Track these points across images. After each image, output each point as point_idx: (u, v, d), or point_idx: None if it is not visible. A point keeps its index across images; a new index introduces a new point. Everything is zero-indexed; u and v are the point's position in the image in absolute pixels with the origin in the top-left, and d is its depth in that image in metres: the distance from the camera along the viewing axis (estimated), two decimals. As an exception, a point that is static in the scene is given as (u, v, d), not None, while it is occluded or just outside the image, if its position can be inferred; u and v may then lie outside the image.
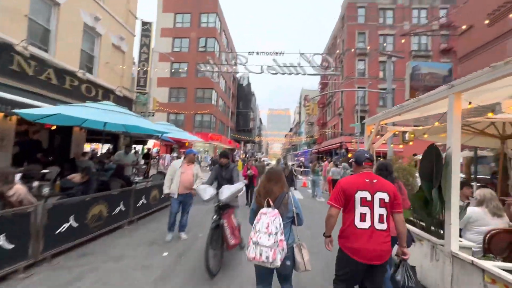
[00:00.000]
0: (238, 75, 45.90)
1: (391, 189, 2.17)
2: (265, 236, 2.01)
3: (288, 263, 2.20)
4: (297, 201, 2.36)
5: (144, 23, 12.42)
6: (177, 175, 4.60)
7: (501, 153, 4.27)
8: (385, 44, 27.23)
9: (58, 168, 6.58)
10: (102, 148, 15.10)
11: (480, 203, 3.14)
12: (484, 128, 4.33)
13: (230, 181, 4.12)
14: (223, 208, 3.71)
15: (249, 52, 12.75)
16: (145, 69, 12.23)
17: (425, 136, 4.52)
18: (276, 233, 2.01)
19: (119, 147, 10.94)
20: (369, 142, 5.28)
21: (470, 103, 2.80)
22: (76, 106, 5.19)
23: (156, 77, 29.15)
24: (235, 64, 13.19)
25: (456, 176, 2.68)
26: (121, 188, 5.82)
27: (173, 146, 29.86)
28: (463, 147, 7.53)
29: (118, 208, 5.15)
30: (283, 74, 12.52)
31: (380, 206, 2.11)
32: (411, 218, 3.50)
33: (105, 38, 10.20)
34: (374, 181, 2.18)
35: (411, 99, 3.60)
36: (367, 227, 2.08)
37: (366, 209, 2.11)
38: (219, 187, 4.04)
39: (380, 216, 2.10)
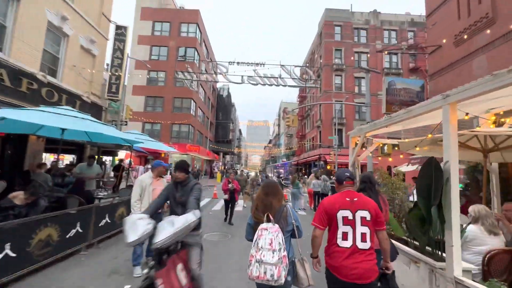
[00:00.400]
0: (218, 86, 45.67)
1: (372, 207, 2.18)
2: (269, 253, 1.94)
3: (289, 278, 2.11)
4: (295, 213, 2.31)
5: (118, 27, 11.75)
6: (148, 192, 3.84)
7: (484, 166, 4.24)
8: (357, 60, 28.62)
9: (4, 183, 5.62)
10: (67, 160, 13.78)
11: (475, 220, 2.96)
12: (467, 140, 4.31)
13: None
14: (170, 252, 2.48)
15: (229, 62, 12.51)
16: (117, 74, 11.45)
17: (417, 149, 4.39)
18: (279, 249, 1.95)
19: (84, 158, 9.92)
20: (354, 155, 5.09)
21: (467, 114, 2.65)
22: (27, 110, 4.47)
23: (132, 84, 27.98)
24: (215, 74, 12.87)
25: (456, 193, 2.47)
26: (80, 206, 5.06)
27: (148, 157, 28.39)
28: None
29: (74, 230, 4.40)
30: (263, 85, 12.39)
31: (362, 225, 2.11)
32: (405, 237, 3.24)
33: (73, 39, 9.39)
34: (355, 199, 2.20)
35: (401, 110, 3.43)
36: (348, 245, 2.08)
37: (348, 228, 2.12)
38: (172, 213, 2.84)
39: (363, 234, 2.10)
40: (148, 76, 28.09)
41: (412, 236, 3.13)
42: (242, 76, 12.44)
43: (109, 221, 5.46)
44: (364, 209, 2.13)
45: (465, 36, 9.42)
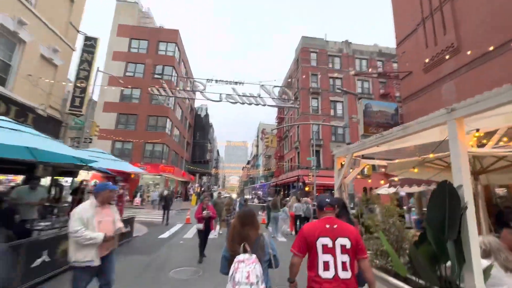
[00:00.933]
0: (196, 105, 45.05)
1: (352, 234, 2.12)
2: (246, 287, 1.83)
3: None
4: (272, 242, 2.25)
5: (87, 38, 10.97)
6: (92, 226, 2.89)
7: (475, 189, 4.00)
8: (332, 85, 29.92)
9: None
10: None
11: (486, 254, 2.55)
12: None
13: None
14: None
15: (207, 79, 12.13)
16: (82, 86, 10.48)
17: (415, 170, 4.07)
18: (257, 282, 1.86)
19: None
20: (340, 177, 4.67)
21: (477, 130, 2.32)
22: None
23: (103, 101, 26.49)
24: (193, 92, 12.36)
25: (473, 225, 2.05)
26: (8, 241, 4.00)
27: (116, 178, 26.16)
28: (421, 182, 7.59)
29: (-10, 277, 3.35)
30: (242, 103, 12.06)
31: (342, 253, 2.06)
32: (408, 276, 2.73)
33: (31, 46, 8.46)
34: (335, 226, 2.15)
35: (395, 127, 3.09)
36: (331, 276, 2.02)
37: (328, 257, 2.06)
38: None
39: (343, 263, 2.04)
40: (122, 93, 26.84)
41: (417, 275, 2.63)
42: (220, 94, 12.05)
43: (47, 259, 4.39)
44: (344, 237, 2.09)
45: (432, 64, 9.98)
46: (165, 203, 12.88)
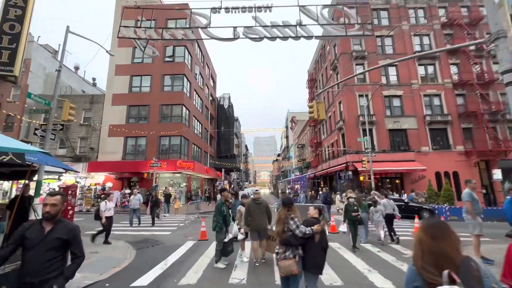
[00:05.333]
0: (218, 95, 41.10)
1: None
2: None
3: None
4: (489, 270, 1.35)
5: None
6: None
7: None
8: (379, 46, 23.47)
9: None
10: None
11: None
12: None
13: None
14: None
15: (212, 9, 7.44)
16: (12, 33, 6.46)
17: None
18: None
19: None
20: None
21: None
22: None
23: (111, 93, 23.47)
24: (190, 28, 7.81)
25: None
26: None
27: (132, 179, 23.08)
28: None
29: None
30: (271, 38, 7.15)
31: None
32: None
33: None
34: None
35: None
36: None
37: None
38: None
39: None
40: (131, 82, 23.58)
41: None
42: (234, 28, 7.29)
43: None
44: None
45: None
46: (152, 203, 12.06)
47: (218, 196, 20.43)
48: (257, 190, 6.48)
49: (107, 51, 12.60)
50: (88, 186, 19.02)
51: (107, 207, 7.87)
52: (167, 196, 15.37)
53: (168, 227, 11.14)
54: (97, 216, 7.72)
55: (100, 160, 22.02)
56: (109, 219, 7.79)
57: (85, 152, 22.59)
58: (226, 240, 5.56)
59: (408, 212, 15.13)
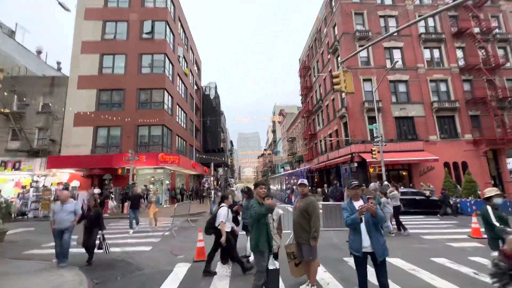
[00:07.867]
0: (203, 84, 37.74)
1: None
2: None
3: None
4: None
5: None
6: None
7: None
8: (383, 26, 21.56)
9: None
10: None
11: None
12: None
13: None
14: None
15: None
16: None
17: None
18: None
19: None
20: None
21: None
22: None
23: (77, 74, 19.64)
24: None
25: None
26: None
27: (104, 177, 19.51)
28: None
29: None
30: None
31: None
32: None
33: None
34: None
35: None
36: None
37: None
38: None
39: None
40: (101, 62, 19.88)
41: None
42: None
43: None
44: None
45: None
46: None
47: (213, 195, 17.38)
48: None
49: (59, 3, 9.36)
50: (47, 187, 15.42)
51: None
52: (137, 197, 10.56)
53: (147, 238, 8.25)
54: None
55: (63, 154, 18.29)
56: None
57: (44, 145, 18.70)
58: (271, 267, 2.95)
59: (429, 207, 13.30)
